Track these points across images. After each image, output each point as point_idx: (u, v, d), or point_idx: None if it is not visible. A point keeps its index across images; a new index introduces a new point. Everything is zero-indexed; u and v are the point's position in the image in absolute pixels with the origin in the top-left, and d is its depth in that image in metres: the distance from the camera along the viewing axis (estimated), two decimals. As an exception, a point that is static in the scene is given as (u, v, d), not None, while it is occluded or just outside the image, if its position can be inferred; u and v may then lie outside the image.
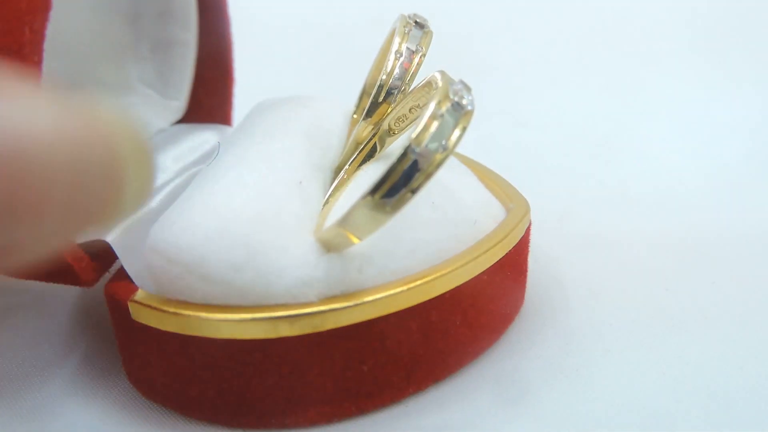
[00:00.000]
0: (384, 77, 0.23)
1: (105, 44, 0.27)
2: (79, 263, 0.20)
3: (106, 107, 0.13)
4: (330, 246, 0.20)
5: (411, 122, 0.24)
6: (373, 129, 0.24)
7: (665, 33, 0.45)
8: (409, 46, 0.23)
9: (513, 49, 0.44)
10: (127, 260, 0.21)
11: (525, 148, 0.35)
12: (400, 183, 0.17)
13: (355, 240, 0.19)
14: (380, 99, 0.23)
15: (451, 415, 0.20)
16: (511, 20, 0.46)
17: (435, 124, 0.17)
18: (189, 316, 0.19)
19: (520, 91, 0.41)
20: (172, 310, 0.19)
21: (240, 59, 0.30)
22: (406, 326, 0.20)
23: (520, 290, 0.25)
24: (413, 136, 0.17)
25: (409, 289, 0.20)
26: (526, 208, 0.24)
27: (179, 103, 0.29)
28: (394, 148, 0.24)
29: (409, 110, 0.24)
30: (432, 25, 0.24)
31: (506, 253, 0.22)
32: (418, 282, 0.20)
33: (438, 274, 0.20)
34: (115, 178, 0.13)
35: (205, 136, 0.28)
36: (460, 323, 0.22)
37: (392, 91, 0.23)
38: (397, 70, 0.23)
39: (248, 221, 0.20)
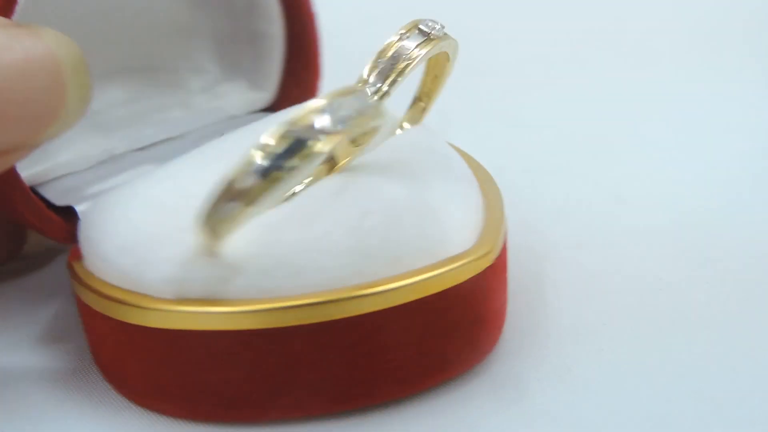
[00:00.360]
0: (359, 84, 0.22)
1: (197, 33, 0.30)
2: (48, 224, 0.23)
3: (50, 32, 0.18)
4: (203, 246, 0.19)
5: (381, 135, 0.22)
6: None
7: (662, 32, 0.45)
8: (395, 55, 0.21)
9: (508, 49, 0.44)
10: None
11: (519, 148, 0.34)
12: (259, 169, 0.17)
13: (216, 240, 0.18)
14: None
15: (443, 417, 0.20)
16: (506, 20, 0.46)
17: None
18: (95, 292, 0.20)
19: (514, 91, 0.41)
20: (90, 283, 0.21)
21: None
22: (257, 348, 0.19)
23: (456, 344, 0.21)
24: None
25: (261, 311, 0.19)
26: (490, 247, 0.20)
27: (267, 95, 0.31)
28: (360, 162, 0.22)
29: None
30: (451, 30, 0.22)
31: (429, 295, 0.19)
32: (276, 305, 0.19)
33: (307, 301, 0.19)
34: (60, 89, 0.18)
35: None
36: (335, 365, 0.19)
37: None
38: (372, 78, 0.21)
39: (150, 210, 0.20)
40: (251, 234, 0.20)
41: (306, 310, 0.19)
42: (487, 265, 0.20)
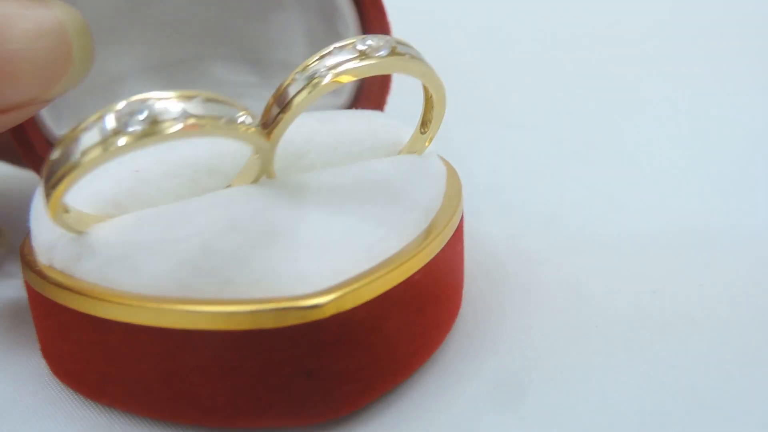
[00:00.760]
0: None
1: (275, 32, 0.30)
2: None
3: (57, 2, 0.21)
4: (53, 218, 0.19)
5: None
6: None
7: (656, 33, 0.46)
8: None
9: (502, 51, 0.44)
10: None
11: (513, 150, 0.34)
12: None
13: (53, 215, 0.18)
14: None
15: (435, 418, 0.20)
16: (500, 21, 0.46)
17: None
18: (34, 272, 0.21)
19: (508, 93, 0.41)
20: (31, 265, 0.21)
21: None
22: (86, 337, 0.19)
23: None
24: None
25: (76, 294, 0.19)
26: (330, 300, 0.18)
27: (340, 100, 0.30)
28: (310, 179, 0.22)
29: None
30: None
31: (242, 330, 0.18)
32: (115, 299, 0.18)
33: (121, 300, 0.18)
34: (66, 51, 0.21)
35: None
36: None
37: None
38: (291, 89, 0.20)
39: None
40: (120, 224, 0.20)
41: (119, 308, 0.18)
42: (321, 317, 0.18)
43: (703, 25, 0.46)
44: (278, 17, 0.30)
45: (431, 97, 0.22)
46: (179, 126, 0.17)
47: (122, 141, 0.16)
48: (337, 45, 0.19)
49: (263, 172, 0.21)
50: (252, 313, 0.17)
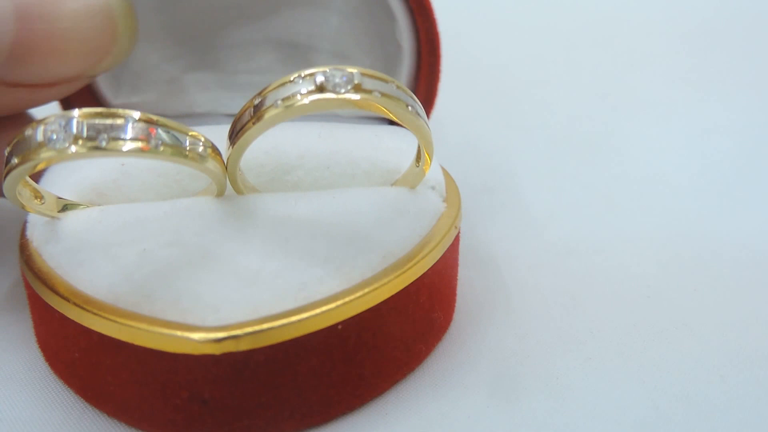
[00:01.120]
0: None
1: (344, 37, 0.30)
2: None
3: None
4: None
5: None
6: None
7: (652, 34, 0.45)
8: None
9: (500, 51, 0.44)
10: None
11: (510, 151, 0.34)
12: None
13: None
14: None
15: (429, 422, 0.20)
16: (498, 21, 0.45)
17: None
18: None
19: (506, 93, 0.41)
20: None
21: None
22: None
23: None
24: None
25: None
26: (218, 337, 0.18)
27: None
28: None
29: None
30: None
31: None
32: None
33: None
34: (112, 31, 0.23)
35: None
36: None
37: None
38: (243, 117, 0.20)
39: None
40: (87, 215, 0.21)
41: (56, 299, 0.20)
42: (213, 352, 0.18)
43: (700, 27, 0.46)
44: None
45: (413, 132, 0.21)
46: (133, 146, 0.17)
47: (73, 149, 0.17)
48: (303, 73, 0.19)
49: (222, 190, 0.21)
50: (153, 334, 0.18)
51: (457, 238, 0.23)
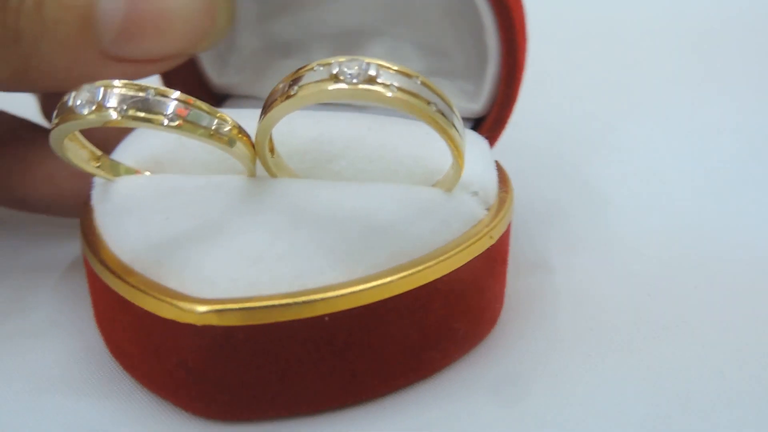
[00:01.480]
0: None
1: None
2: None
3: None
4: None
5: None
6: None
7: (653, 36, 0.46)
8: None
9: None
10: None
11: (511, 148, 0.32)
12: None
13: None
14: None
15: (429, 417, 0.21)
16: None
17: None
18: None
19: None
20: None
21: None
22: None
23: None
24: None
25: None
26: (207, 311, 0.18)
27: (477, 107, 0.28)
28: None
29: None
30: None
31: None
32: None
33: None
34: (212, 13, 0.25)
35: None
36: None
37: None
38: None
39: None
40: (137, 181, 0.23)
41: (93, 259, 0.21)
42: (194, 322, 0.18)
43: (701, 25, 0.46)
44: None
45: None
46: (152, 117, 0.18)
47: (93, 117, 0.19)
48: (320, 62, 0.19)
49: (252, 171, 0.21)
50: (149, 297, 0.19)
51: (494, 249, 0.22)
